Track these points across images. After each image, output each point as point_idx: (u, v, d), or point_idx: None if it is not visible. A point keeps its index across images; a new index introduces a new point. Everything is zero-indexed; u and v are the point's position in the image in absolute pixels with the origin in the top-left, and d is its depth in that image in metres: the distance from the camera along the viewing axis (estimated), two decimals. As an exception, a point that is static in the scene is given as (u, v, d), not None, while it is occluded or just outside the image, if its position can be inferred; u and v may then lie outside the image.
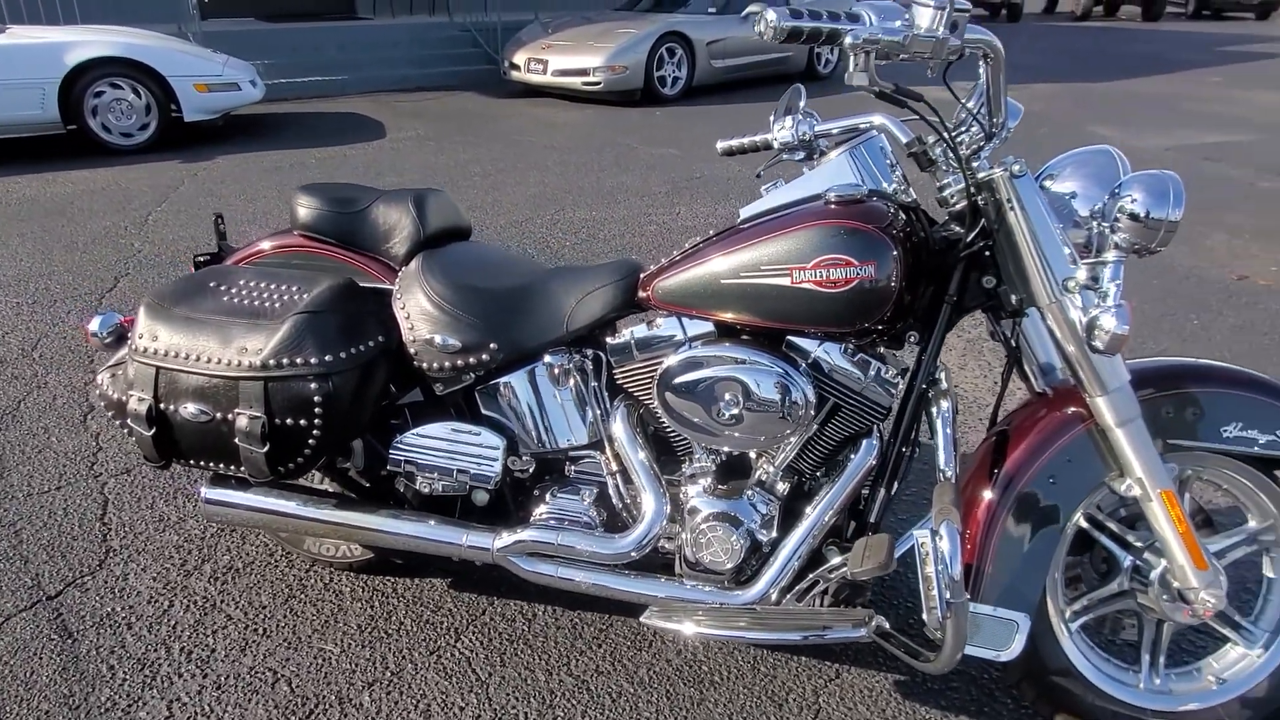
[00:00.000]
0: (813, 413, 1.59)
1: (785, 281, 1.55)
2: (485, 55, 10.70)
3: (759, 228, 1.60)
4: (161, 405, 1.75)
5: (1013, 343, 1.68)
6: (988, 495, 1.59)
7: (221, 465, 1.78)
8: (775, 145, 1.87)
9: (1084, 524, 1.64)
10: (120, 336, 1.97)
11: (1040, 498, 1.56)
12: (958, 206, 1.60)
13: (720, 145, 2.00)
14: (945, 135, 1.49)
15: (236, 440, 1.71)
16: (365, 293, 1.82)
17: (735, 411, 1.60)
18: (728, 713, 1.75)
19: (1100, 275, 1.43)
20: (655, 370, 1.70)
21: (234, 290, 1.81)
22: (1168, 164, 6.41)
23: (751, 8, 1.49)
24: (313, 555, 2.15)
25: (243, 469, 1.76)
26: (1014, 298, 1.55)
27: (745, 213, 1.71)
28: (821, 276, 1.52)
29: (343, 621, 2.00)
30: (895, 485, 1.70)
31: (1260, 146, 6.99)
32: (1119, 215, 1.41)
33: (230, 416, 1.71)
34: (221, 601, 2.05)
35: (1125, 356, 1.54)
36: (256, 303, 1.77)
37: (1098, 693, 1.62)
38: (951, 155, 1.55)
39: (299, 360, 1.68)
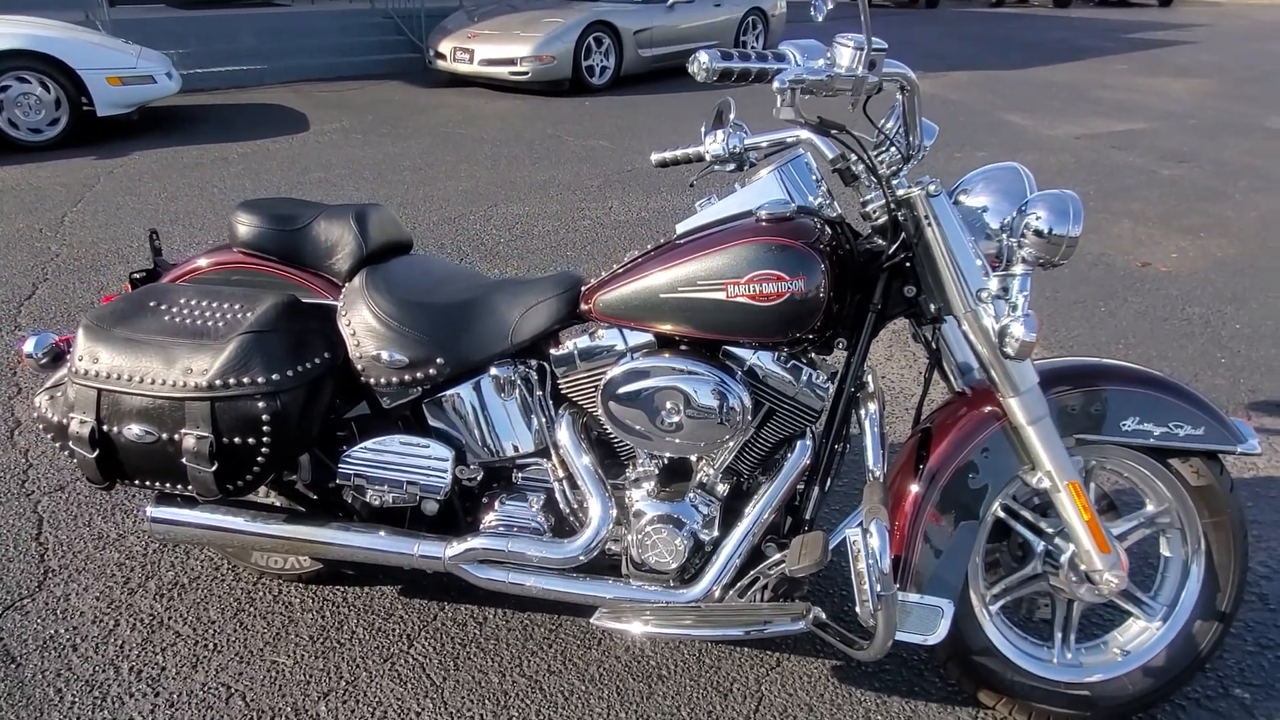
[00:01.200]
0: (749, 417, 1.67)
1: (721, 296, 1.62)
2: (409, 43, 10.54)
3: (694, 244, 1.68)
4: (104, 427, 1.75)
5: (933, 345, 1.79)
6: (913, 490, 1.70)
7: (167, 484, 1.79)
8: (707, 158, 1.94)
9: (1001, 514, 1.76)
10: (56, 357, 1.95)
11: (961, 491, 1.68)
12: (880, 221, 1.70)
13: (655, 157, 2.06)
14: (867, 158, 1.58)
15: (184, 460, 1.73)
16: (309, 309, 1.84)
17: (677, 419, 1.67)
18: (675, 705, 1.84)
19: (1010, 286, 1.54)
20: (599, 380, 1.77)
21: (175, 310, 1.81)
22: (1078, 152, 6.70)
23: None
24: (260, 568, 2.17)
25: (189, 488, 1.77)
26: (933, 306, 1.66)
27: (681, 228, 1.78)
28: (755, 290, 1.60)
29: (294, 633, 2.02)
30: (828, 482, 1.80)
31: (1161, 134, 7.34)
32: (1025, 231, 1.52)
33: (176, 437, 1.72)
34: (169, 619, 2.06)
35: (1041, 354, 1.66)
36: (199, 322, 1.78)
37: (1016, 669, 1.75)
38: (873, 176, 1.64)
39: (246, 380, 1.69)
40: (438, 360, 1.79)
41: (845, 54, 1.43)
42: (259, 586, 2.16)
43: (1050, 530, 1.75)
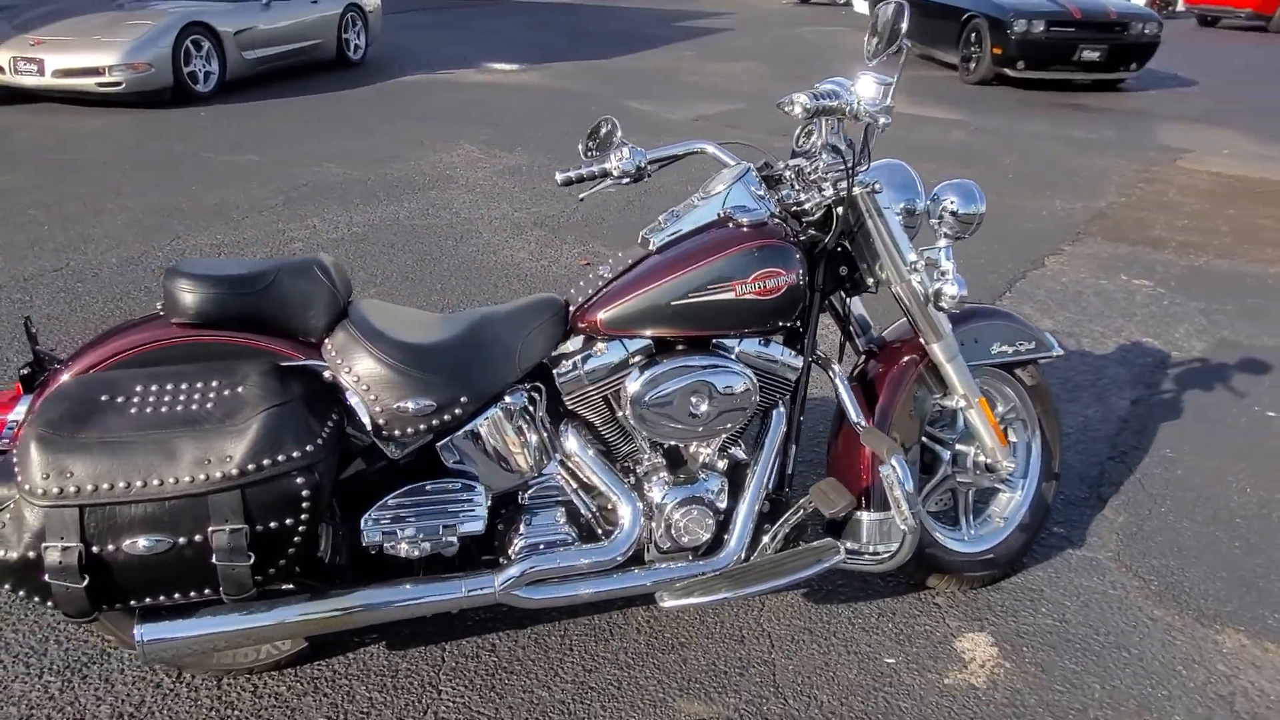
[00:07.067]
0: (759, 395, 1.94)
1: (730, 295, 1.86)
2: (-70, 52, 8.62)
3: (688, 254, 1.88)
4: (95, 548, 1.51)
5: (843, 315, 2.20)
6: (869, 432, 2.09)
7: (180, 594, 1.60)
8: (614, 173, 2.13)
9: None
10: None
11: (903, 425, 2.11)
12: (817, 216, 2.04)
13: (560, 176, 2.19)
14: (849, 168, 1.88)
15: (214, 559, 1.56)
16: (298, 371, 1.73)
17: (704, 409, 1.88)
18: (710, 661, 2.06)
19: (937, 258, 1.97)
20: (606, 392, 1.91)
21: (137, 400, 1.61)
22: (703, 132, 7.65)
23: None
24: (225, 668, 1.95)
25: (217, 591, 1.61)
26: (870, 280, 2.05)
27: (656, 240, 1.95)
28: (760, 287, 1.87)
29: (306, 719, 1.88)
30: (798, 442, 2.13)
31: (756, 112, 8.60)
32: (943, 214, 1.97)
33: (199, 538, 1.55)
34: (145, 753, 1.79)
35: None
36: (180, 408, 1.60)
37: (951, 552, 2.25)
38: (825, 182, 1.95)
39: (281, 457, 1.58)
40: (461, 399, 1.79)
41: (870, 89, 1.75)
42: (228, 691, 1.95)
43: (952, 439, 2.26)
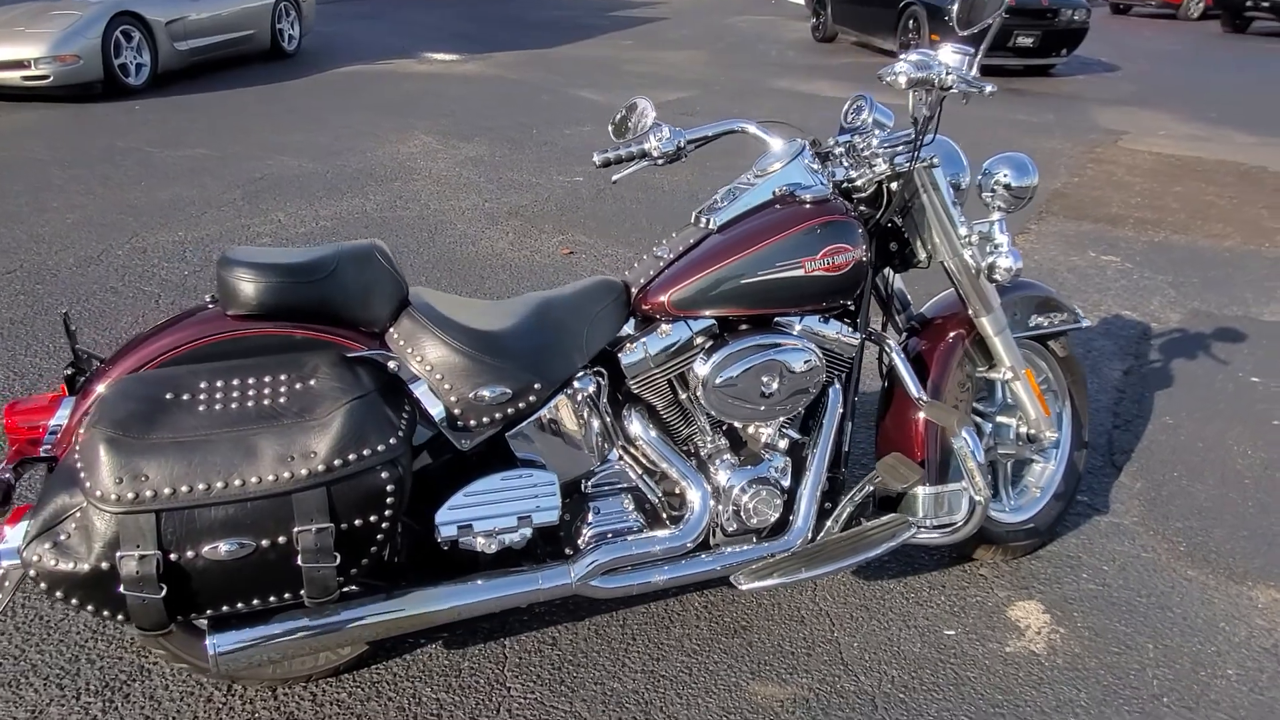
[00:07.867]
0: (825, 372, 1.93)
1: (799, 272, 1.85)
2: None
3: (753, 232, 1.86)
4: (173, 555, 1.42)
5: (885, 293, 2.21)
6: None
7: (259, 600, 1.52)
8: (653, 153, 2.11)
9: (962, 409, 2.25)
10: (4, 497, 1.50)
11: (955, 398, 2.12)
12: (869, 192, 2.03)
13: (598, 158, 2.15)
14: (916, 142, 1.88)
15: (298, 561, 1.48)
16: (366, 362, 1.66)
17: (775, 387, 1.86)
18: (776, 641, 2.05)
19: (992, 232, 1.99)
20: (670, 374, 1.88)
21: (203, 397, 1.52)
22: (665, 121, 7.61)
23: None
24: (279, 678, 1.86)
25: (289, 595, 1.53)
26: (923, 254, 2.05)
27: (716, 219, 1.92)
28: (829, 263, 1.85)
29: (377, 726, 1.81)
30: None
31: (707, 99, 8.62)
32: (995, 188, 1.99)
33: (283, 539, 1.47)
34: (211, 770, 1.70)
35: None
36: (252, 404, 1.52)
37: (998, 523, 2.28)
38: (879, 158, 1.94)
39: (366, 452, 1.51)
40: (536, 386, 1.74)
41: (953, 57, 1.74)
42: (284, 701, 1.86)
43: (992, 411, 2.29)
